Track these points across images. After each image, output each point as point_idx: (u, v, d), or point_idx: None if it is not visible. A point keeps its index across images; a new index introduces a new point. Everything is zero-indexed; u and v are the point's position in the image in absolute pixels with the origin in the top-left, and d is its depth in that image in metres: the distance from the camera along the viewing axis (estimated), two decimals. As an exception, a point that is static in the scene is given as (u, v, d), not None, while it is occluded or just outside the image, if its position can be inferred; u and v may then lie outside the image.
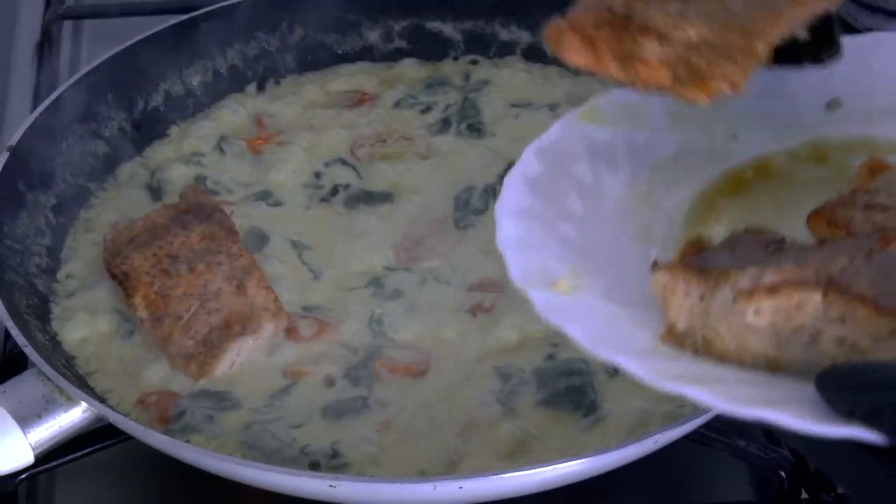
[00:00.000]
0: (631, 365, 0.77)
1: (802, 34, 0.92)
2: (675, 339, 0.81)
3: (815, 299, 0.76)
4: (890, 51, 1.03)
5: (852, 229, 0.86)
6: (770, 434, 1.14)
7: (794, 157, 1.01)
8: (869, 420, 0.67)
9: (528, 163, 0.95)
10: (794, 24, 0.94)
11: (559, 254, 0.88)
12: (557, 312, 0.82)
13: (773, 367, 0.78)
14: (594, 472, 1.01)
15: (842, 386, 0.71)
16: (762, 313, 0.77)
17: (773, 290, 0.76)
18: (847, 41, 1.00)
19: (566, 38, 0.90)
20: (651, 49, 0.87)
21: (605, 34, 0.88)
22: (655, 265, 0.82)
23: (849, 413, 0.68)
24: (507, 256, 0.86)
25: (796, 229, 0.90)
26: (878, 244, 0.79)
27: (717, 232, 0.94)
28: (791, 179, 1.00)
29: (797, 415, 0.70)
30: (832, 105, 1.03)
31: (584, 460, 0.98)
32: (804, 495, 1.09)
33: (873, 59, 1.03)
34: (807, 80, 1.00)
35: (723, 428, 1.08)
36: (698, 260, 0.82)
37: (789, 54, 0.92)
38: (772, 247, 0.83)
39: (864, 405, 0.68)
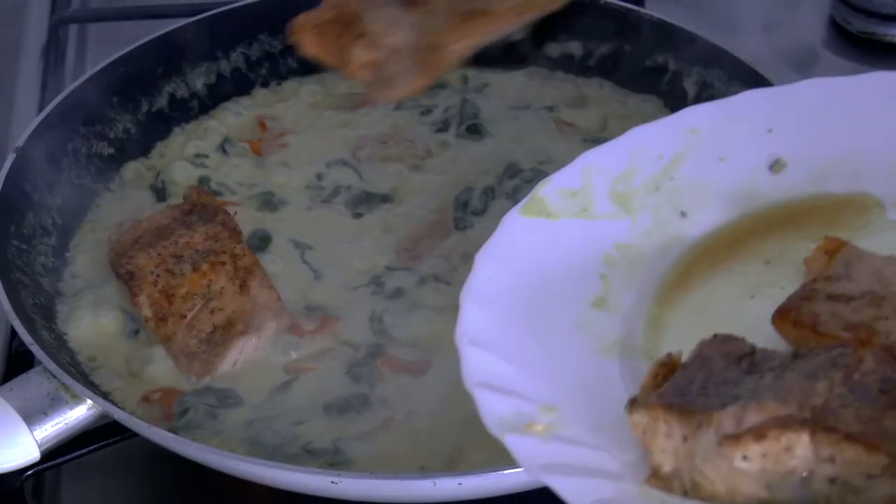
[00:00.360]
0: None
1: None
2: (662, 481, 0.78)
3: (803, 440, 0.73)
4: (832, 103, 1.00)
5: (820, 329, 0.84)
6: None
7: (749, 232, 0.98)
8: None
9: (482, 274, 0.90)
10: (483, 39, 1.08)
11: (528, 387, 0.84)
12: (540, 464, 0.78)
13: None
14: (592, 469, 1.01)
15: None
16: (751, 458, 0.74)
17: (759, 434, 0.73)
18: (785, 93, 0.99)
19: (302, 31, 1.05)
20: (359, 52, 1.02)
21: (332, 32, 1.02)
22: (633, 404, 0.79)
23: None
24: (477, 398, 0.83)
25: (760, 320, 0.88)
26: (852, 360, 0.77)
27: (676, 336, 0.90)
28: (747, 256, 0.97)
29: None
30: (776, 166, 1.01)
31: (582, 457, 0.98)
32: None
33: (815, 114, 1.00)
34: (744, 144, 0.99)
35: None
36: (674, 392, 0.79)
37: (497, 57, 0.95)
38: (745, 362, 0.80)
39: None
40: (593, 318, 0.91)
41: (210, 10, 1.43)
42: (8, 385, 1.06)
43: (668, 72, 1.39)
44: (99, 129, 1.33)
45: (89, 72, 1.35)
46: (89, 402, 1.05)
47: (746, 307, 0.93)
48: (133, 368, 1.14)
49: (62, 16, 1.62)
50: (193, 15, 1.42)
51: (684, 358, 0.83)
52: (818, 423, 0.73)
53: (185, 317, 1.13)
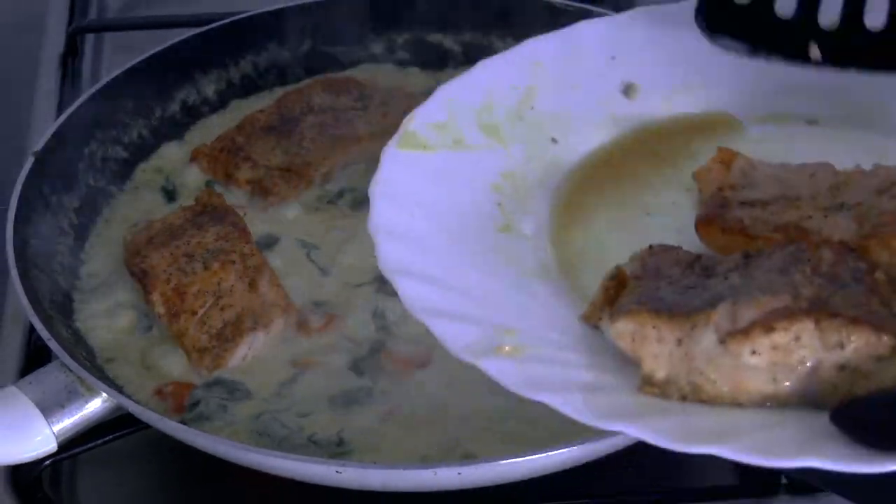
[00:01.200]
0: (638, 432, 0.72)
1: None
2: (657, 388, 0.75)
3: (809, 329, 0.70)
4: (665, 30, 1.01)
5: (750, 232, 0.83)
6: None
7: (624, 154, 0.98)
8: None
9: (381, 208, 0.91)
10: (346, 160, 1.29)
11: (475, 315, 0.83)
12: (524, 382, 0.77)
13: (770, 402, 0.73)
14: (588, 458, 1.01)
15: (865, 421, 0.66)
16: (760, 353, 0.72)
17: (768, 327, 0.71)
18: (617, 22, 1.01)
19: (200, 155, 1.31)
20: (244, 170, 1.27)
21: (223, 157, 1.29)
22: (615, 314, 0.76)
23: (879, 446, 0.64)
24: (432, 327, 0.82)
25: (666, 232, 0.88)
26: (812, 255, 0.75)
27: (588, 257, 0.89)
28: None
29: (832, 457, 0.66)
30: (630, 91, 1.01)
31: (578, 447, 0.98)
32: (783, 480, 1.10)
33: (652, 41, 1.01)
34: (591, 72, 1.00)
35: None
36: (649, 300, 0.75)
37: None
38: (696, 267, 0.77)
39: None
40: (504, 243, 0.91)
41: (220, 20, 1.43)
42: (27, 379, 1.06)
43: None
44: (114, 134, 1.34)
45: (105, 79, 1.35)
46: (104, 394, 1.05)
47: (646, 223, 0.92)
48: (146, 363, 1.14)
49: (79, 26, 1.62)
50: (205, 25, 1.43)
51: (629, 272, 0.80)
52: (821, 310, 0.70)
53: (196, 313, 1.14)
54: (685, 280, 0.77)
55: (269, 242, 1.25)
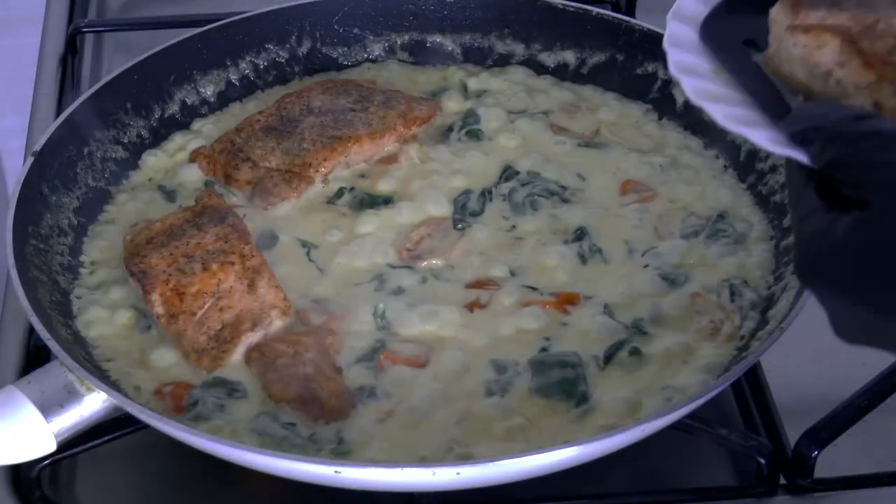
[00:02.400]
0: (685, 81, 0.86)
1: None
2: (770, 60, 0.89)
3: (833, 44, 0.83)
4: None
5: None
6: (750, 423, 1.14)
7: None
8: (803, 144, 0.78)
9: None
10: (346, 161, 1.29)
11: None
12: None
13: (810, 93, 0.86)
14: (586, 459, 1.01)
15: (796, 120, 0.80)
16: (797, 45, 0.85)
17: (807, 28, 0.84)
18: None
19: (199, 157, 1.32)
20: (244, 171, 1.29)
21: (223, 158, 1.30)
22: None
23: (793, 139, 0.79)
24: (669, 54, 0.90)
25: None
26: None
27: None
28: None
29: (765, 137, 0.80)
30: None
31: (576, 447, 0.98)
32: (782, 481, 1.09)
33: None
34: None
35: (706, 417, 1.08)
36: None
37: None
38: None
39: (802, 135, 0.78)
40: None
41: (220, 20, 1.43)
42: (26, 378, 1.06)
43: (658, 80, 1.39)
44: (113, 134, 1.33)
45: (105, 79, 1.34)
46: (103, 394, 1.04)
47: None
48: (145, 363, 1.13)
49: (79, 25, 1.62)
50: (204, 25, 1.42)
51: None
52: (851, 37, 0.83)
53: (195, 314, 1.13)
54: None
55: (269, 243, 1.24)
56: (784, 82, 0.88)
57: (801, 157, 0.79)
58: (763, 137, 0.81)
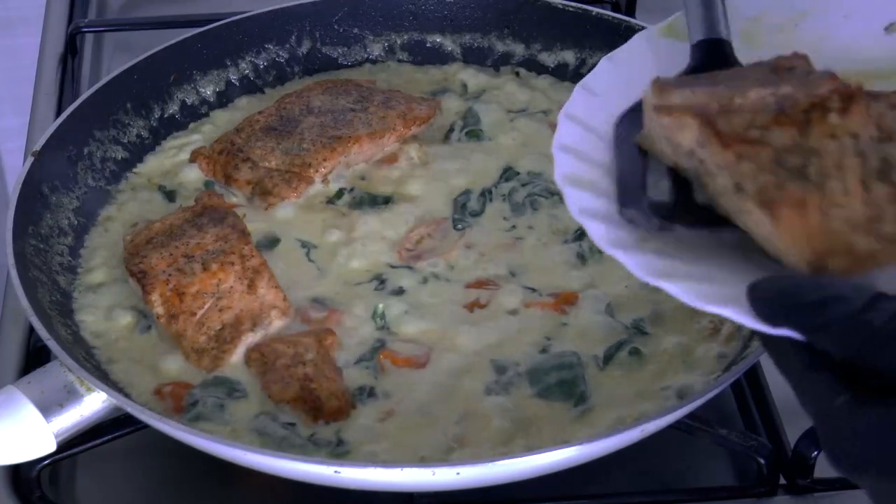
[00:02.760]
0: (625, 259, 0.83)
1: None
2: (644, 140, 0.89)
3: (692, 124, 0.84)
4: None
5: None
6: (750, 423, 1.14)
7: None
8: (794, 326, 0.74)
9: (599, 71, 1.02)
10: (346, 161, 1.30)
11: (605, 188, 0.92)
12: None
13: (678, 170, 0.86)
14: (585, 459, 1.01)
15: (768, 299, 0.76)
16: (662, 126, 0.86)
17: (669, 109, 0.85)
18: None
19: (199, 157, 1.32)
20: (243, 171, 1.29)
21: (222, 159, 1.30)
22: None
23: (773, 320, 0.75)
24: (564, 192, 0.90)
25: None
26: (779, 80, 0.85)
27: None
28: None
29: (744, 312, 0.76)
30: (891, 28, 1.01)
31: (575, 447, 0.98)
32: (782, 481, 1.09)
33: None
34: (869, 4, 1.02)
35: (706, 417, 1.08)
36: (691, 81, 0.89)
37: None
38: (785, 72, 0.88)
39: (786, 317, 0.74)
40: None
41: (220, 20, 1.43)
42: (26, 378, 1.06)
43: (658, 79, 1.39)
44: (113, 134, 1.33)
45: (104, 79, 1.34)
46: (103, 394, 1.04)
47: None
48: (145, 363, 1.13)
49: (79, 25, 1.62)
50: (204, 25, 1.42)
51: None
52: (709, 117, 0.83)
53: (195, 314, 1.13)
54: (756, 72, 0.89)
55: (269, 243, 1.24)
56: (658, 160, 0.88)
57: (793, 335, 0.74)
58: (732, 312, 0.77)
